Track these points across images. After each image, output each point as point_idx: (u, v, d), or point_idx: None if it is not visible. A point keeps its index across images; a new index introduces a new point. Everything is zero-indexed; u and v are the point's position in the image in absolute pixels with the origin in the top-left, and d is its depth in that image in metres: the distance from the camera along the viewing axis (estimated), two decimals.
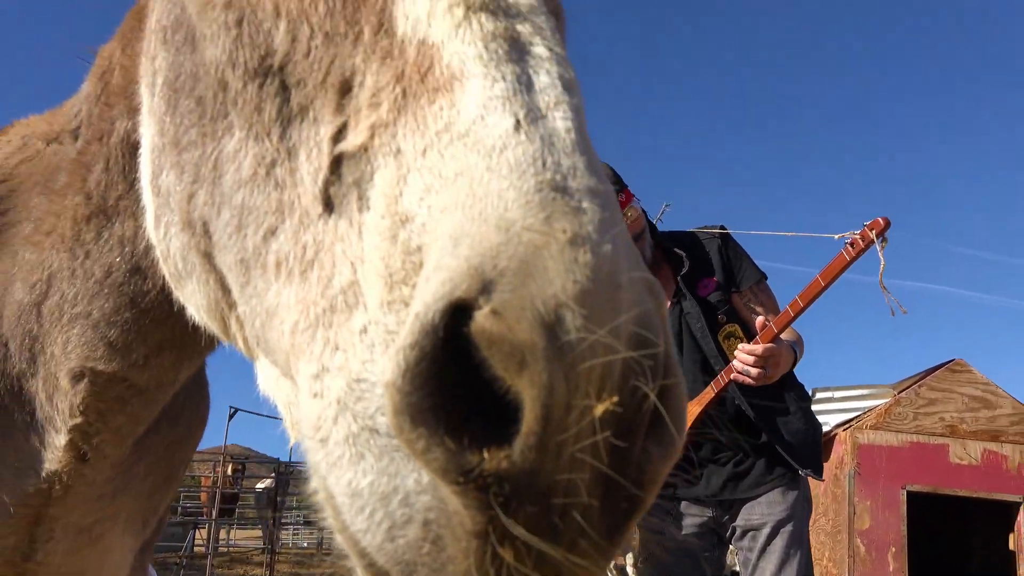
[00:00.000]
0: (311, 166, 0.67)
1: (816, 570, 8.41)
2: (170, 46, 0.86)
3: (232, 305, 0.79)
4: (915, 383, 8.45)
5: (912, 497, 7.90)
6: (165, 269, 0.92)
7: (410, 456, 0.53)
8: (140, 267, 1.13)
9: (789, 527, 2.90)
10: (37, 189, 1.31)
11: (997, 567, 8.24)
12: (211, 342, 1.20)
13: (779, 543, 2.89)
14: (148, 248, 1.10)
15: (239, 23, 0.73)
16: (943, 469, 7.90)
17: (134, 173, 1.10)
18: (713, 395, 2.85)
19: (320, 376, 0.61)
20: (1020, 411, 8.09)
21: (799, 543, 2.92)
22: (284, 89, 0.71)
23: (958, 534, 9.54)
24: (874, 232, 2.39)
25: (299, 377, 0.64)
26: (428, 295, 0.51)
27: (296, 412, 0.68)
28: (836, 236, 2.55)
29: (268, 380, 0.79)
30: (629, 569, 9.83)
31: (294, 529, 26.69)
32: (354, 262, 0.62)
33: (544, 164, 0.55)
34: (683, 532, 3.00)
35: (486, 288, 0.50)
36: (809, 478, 3.02)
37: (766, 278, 3.11)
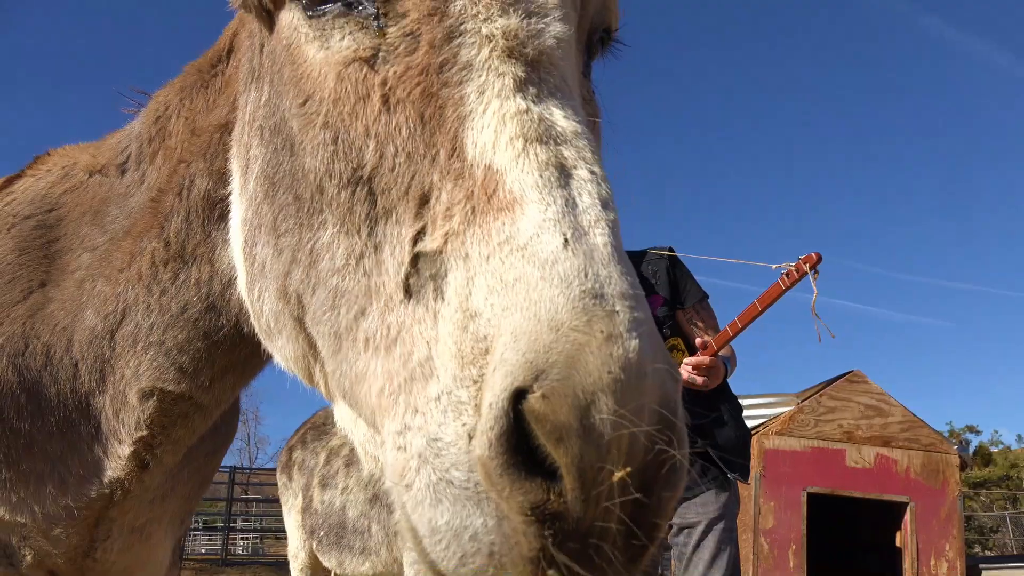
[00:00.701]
0: (395, 260, 0.80)
1: None
2: (268, 144, 1.00)
3: (319, 361, 0.93)
4: (817, 392, 8.98)
5: (812, 498, 8.40)
6: (256, 324, 1.07)
7: (479, 502, 0.67)
8: (215, 305, 1.25)
9: (721, 525, 3.16)
10: (86, 219, 1.39)
11: (886, 562, 8.79)
12: (262, 367, 1.36)
13: (711, 539, 3.14)
14: (224, 289, 1.24)
15: (335, 140, 0.88)
16: (840, 472, 8.44)
17: (211, 225, 1.24)
18: None
19: (403, 433, 0.73)
20: (909, 419, 8.72)
21: (729, 539, 3.18)
22: (372, 195, 0.84)
23: (852, 532, 10.12)
24: (807, 265, 2.67)
25: (384, 432, 0.77)
26: (497, 387, 0.64)
27: (378, 455, 0.83)
28: (773, 266, 2.82)
29: (346, 420, 0.93)
30: None
31: (194, 536, 25.87)
32: (430, 342, 0.74)
33: (586, 275, 0.67)
34: None
35: (538, 377, 0.62)
36: (737, 480, 3.27)
37: (708, 297, 3.37)
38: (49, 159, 1.57)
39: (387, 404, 0.76)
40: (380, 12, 0.87)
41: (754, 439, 8.51)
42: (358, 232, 0.84)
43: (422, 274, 0.76)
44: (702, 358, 2.92)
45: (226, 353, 1.29)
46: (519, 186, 0.72)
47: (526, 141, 0.75)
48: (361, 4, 0.89)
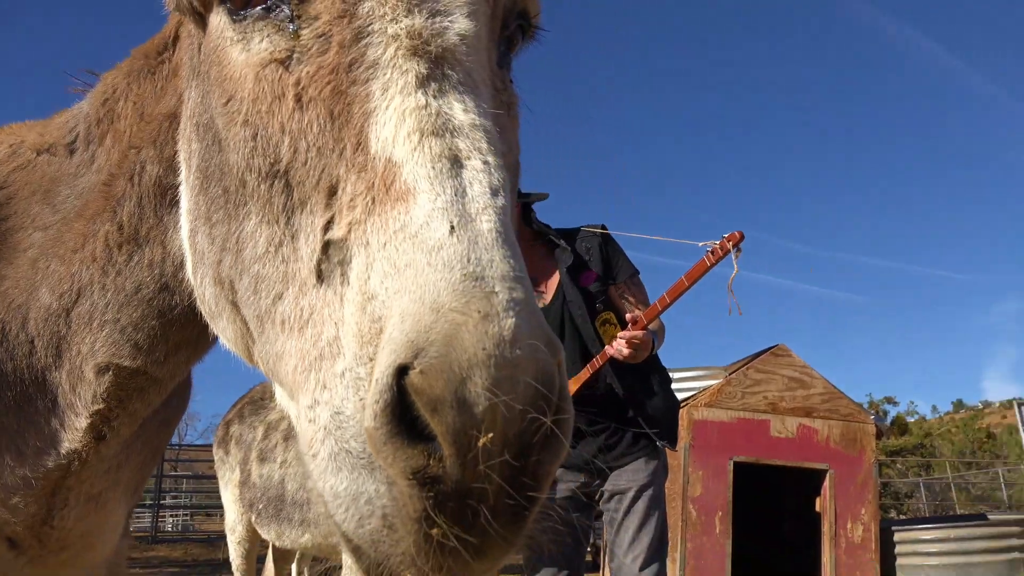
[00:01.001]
0: (308, 248, 0.86)
1: None
2: (203, 140, 1.06)
3: (254, 342, 0.99)
4: (743, 365, 9.28)
5: (738, 467, 8.72)
6: (201, 307, 1.13)
7: (372, 470, 0.74)
8: (168, 285, 1.30)
9: (650, 491, 3.30)
10: (36, 198, 1.41)
11: (806, 526, 9.18)
12: (215, 342, 1.38)
13: (641, 504, 3.28)
14: (176, 270, 1.28)
15: (255, 137, 0.94)
16: (765, 442, 8.77)
17: (163, 211, 1.28)
18: (589, 375, 3.20)
19: (313, 407, 0.80)
20: (830, 390, 9.11)
21: (658, 504, 3.32)
22: (288, 188, 0.90)
23: (776, 498, 10.54)
24: (731, 243, 2.81)
25: (299, 406, 0.83)
26: (383, 364, 0.70)
27: (297, 428, 0.89)
28: (699, 244, 2.95)
29: (283, 398, 0.99)
30: None
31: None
32: (337, 323, 0.80)
33: (468, 260, 0.72)
34: (558, 496, 3.31)
35: (418, 354, 0.68)
36: (666, 448, 3.42)
37: (639, 273, 3.48)
38: None
39: (301, 380, 0.83)
40: (295, 15, 0.93)
41: (684, 411, 8.78)
42: (277, 222, 0.90)
43: (331, 260, 0.83)
44: (632, 332, 3.04)
45: (180, 330, 1.33)
46: (413, 177, 0.79)
47: (422, 135, 0.81)
48: (278, 8, 0.94)
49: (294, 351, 0.85)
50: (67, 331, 1.33)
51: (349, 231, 0.81)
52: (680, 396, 9.81)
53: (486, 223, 0.75)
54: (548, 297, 3.41)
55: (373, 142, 0.83)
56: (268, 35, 0.95)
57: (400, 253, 0.74)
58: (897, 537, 8.76)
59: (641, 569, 3.21)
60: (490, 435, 0.65)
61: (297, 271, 0.86)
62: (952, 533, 8.62)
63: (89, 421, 1.33)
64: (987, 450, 35.17)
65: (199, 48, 1.09)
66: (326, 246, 0.83)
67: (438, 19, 0.90)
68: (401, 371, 0.67)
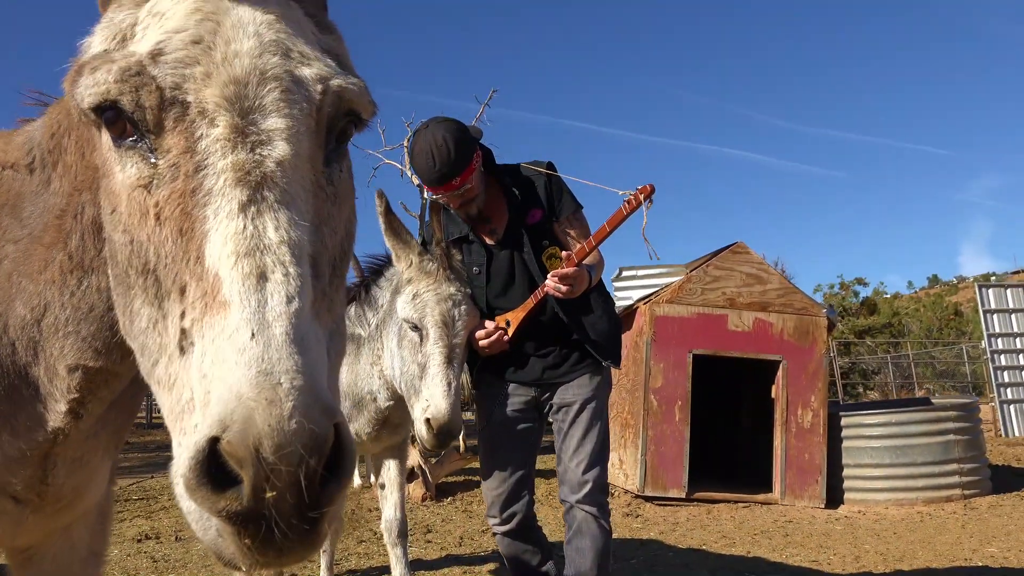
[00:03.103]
0: (173, 328, 1.06)
1: (618, 421, 9.66)
2: (106, 226, 1.27)
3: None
4: (704, 263, 9.55)
5: (697, 359, 9.15)
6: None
7: (200, 504, 0.98)
8: (114, 306, 1.45)
9: (593, 404, 3.58)
10: (6, 211, 1.57)
11: (762, 412, 9.67)
12: None
13: (585, 415, 3.57)
14: None
15: (131, 243, 1.15)
16: (722, 335, 9.12)
17: (101, 244, 1.46)
18: (533, 304, 3.47)
19: (179, 446, 1.01)
20: (785, 286, 9.44)
21: (600, 415, 3.61)
22: (157, 282, 1.10)
23: (732, 388, 11.07)
24: (642, 195, 3.09)
25: (173, 442, 1.04)
26: (200, 433, 0.92)
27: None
28: (619, 192, 3.20)
29: None
30: (460, 444, 10.83)
31: None
32: (191, 387, 1.01)
33: (263, 359, 0.92)
34: (512, 408, 3.63)
35: (225, 429, 0.88)
36: (610, 366, 3.69)
37: (581, 208, 3.65)
38: None
39: (172, 425, 1.06)
40: (153, 148, 1.12)
41: (646, 307, 9.13)
42: (153, 304, 1.11)
43: (187, 339, 1.04)
44: (563, 271, 3.28)
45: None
46: (229, 292, 0.99)
47: (238, 256, 1.01)
48: (142, 140, 1.13)
49: (167, 404, 1.08)
50: (40, 337, 1.53)
51: (192, 324, 1.03)
52: (644, 292, 10.25)
53: (279, 328, 0.96)
54: (500, 233, 3.63)
55: (207, 257, 1.04)
56: (136, 162, 1.14)
57: (220, 349, 0.97)
58: (844, 422, 9.27)
59: (584, 472, 3.53)
60: (273, 483, 0.90)
61: (167, 344, 1.08)
62: (894, 418, 9.14)
63: (67, 407, 1.57)
64: (953, 327, 36.27)
65: (99, 139, 1.27)
66: (182, 331, 1.05)
67: (258, 150, 1.09)
68: (214, 440, 0.91)
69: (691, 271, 9.47)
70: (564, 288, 3.32)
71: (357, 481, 9.55)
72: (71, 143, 1.51)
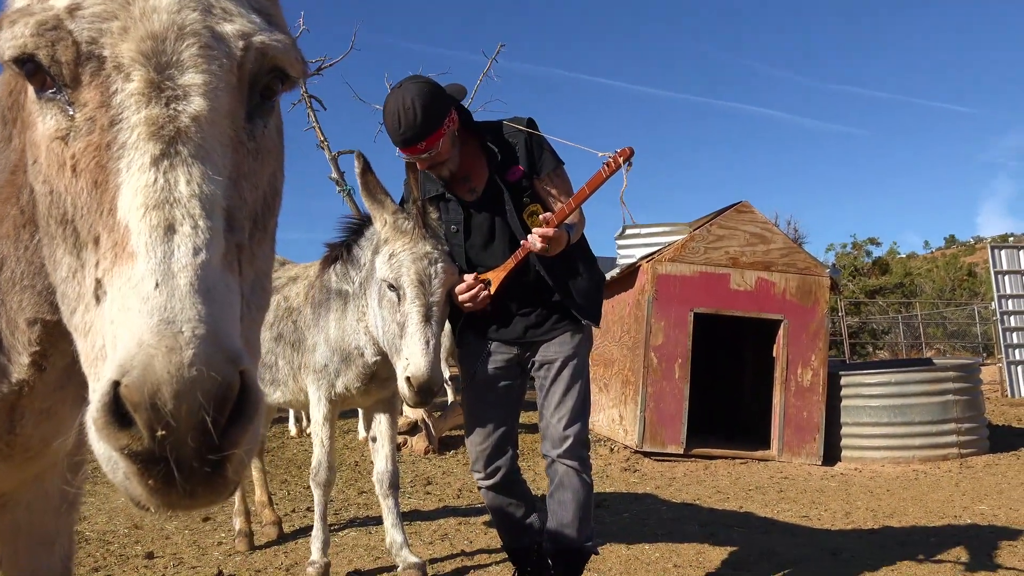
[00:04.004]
0: (89, 277, 1.09)
1: (619, 378, 9.74)
2: (29, 175, 1.31)
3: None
4: (707, 222, 9.54)
5: (698, 317, 9.18)
6: None
7: (105, 442, 1.02)
8: None
9: (574, 361, 3.65)
10: None
11: (763, 370, 9.72)
12: None
13: (566, 373, 3.64)
14: None
15: (50, 193, 1.19)
16: (724, 294, 9.14)
17: None
18: (514, 263, 3.50)
19: (93, 392, 1.03)
20: (789, 246, 9.43)
21: (581, 373, 3.67)
22: (75, 232, 1.12)
23: (734, 347, 11.11)
24: (621, 158, 3.09)
25: (90, 388, 1.06)
26: (104, 377, 0.96)
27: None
28: (599, 154, 3.22)
29: None
30: (451, 396, 10.97)
31: None
32: (103, 335, 1.04)
33: (165, 308, 0.95)
34: (494, 366, 3.69)
35: (125, 374, 0.92)
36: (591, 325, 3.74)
37: (562, 164, 3.66)
38: None
39: (88, 371, 1.11)
40: (71, 101, 1.14)
41: (648, 265, 9.15)
42: (72, 254, 1.15)
43: (101, 288, 1.08)
44: (544, 230, 3.31)
45: None
46: (136, 243, 1.02)
47: (147, 208, 1.04)
48: (61, 93, 1.15)
49: (83, 350, 1.13)
50: (0, 292, 1.58)
51: (104, 274, 1.07)
52: (646, 251, 10.25)
53: (183, 279, 1.00)
54: (479, 192, 3.65)
55: (119, 209, 1.07)
56: (54, 114, 1.16)
57: (126, 298, 1.00)
58: (843, 381, 9.32)
59: (565, 428, 3.61)
60: (169, 426, 0.94)
61: (84, 293, 1.12)
62: (893, 377, 9.17)
63: (30, 359, 1.61)
64: (967, 288, 36.08)
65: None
66: (97, 281, 1.09)
67: (173, 105, 1.11)
68: (116, 384, 0.95)
69: (694, 230, 9.47)
70: (540, 246, 3.35)
71: (362, 434, 9.72)
72: (27, 98, 1.50)
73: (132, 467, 0.98)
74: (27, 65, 1.16)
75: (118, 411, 0.96)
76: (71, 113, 1.15)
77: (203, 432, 0.95)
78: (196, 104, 1.13)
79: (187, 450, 0.96)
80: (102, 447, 1.02)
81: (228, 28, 1.20)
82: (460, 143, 3.63)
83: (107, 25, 1.13)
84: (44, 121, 1.18)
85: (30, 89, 1.22)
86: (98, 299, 1.09)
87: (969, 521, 6.12)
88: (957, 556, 4.96)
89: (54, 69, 1.14)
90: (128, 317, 0.99)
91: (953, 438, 8.94)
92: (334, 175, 11.16)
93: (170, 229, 1.04)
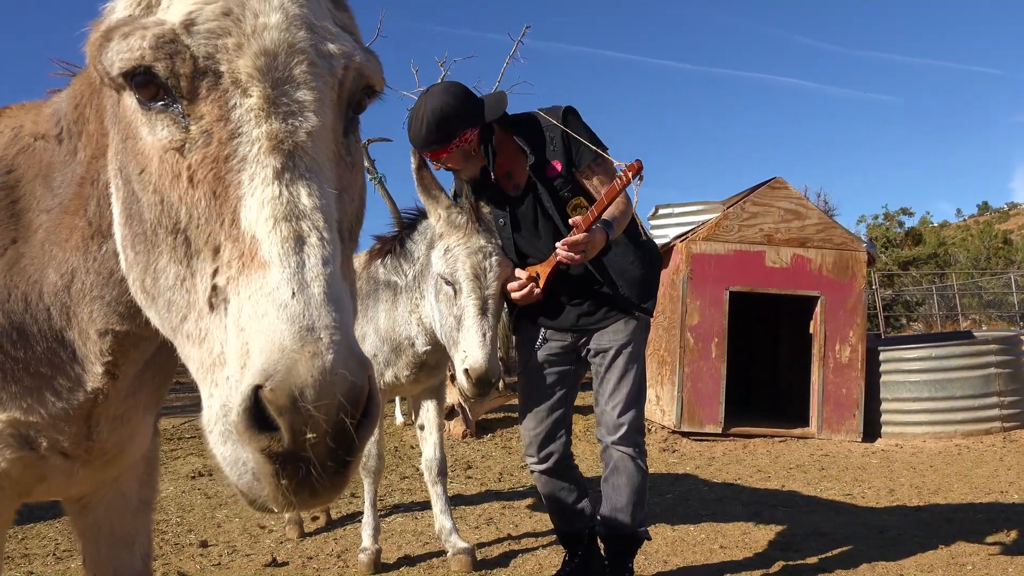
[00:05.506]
0: (203, 285, 1.11)
1: (655, 358, 9.76)
2: (123, 186, 1.29)
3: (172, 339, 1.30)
4: (741, 199, 9.46)
5: (733, 296, 9.13)
6: (136, 298, 1.38)
7: (245, 445, 1.06)
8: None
9: (629, 348, 3.64)
10: (39, 181, 1.62)
11: (800, 347, 9.66)
12: None
13: (621, 361, 3.64)
14: None
15: (161, 203, 1.19)
16: (760, 272, 9.08)
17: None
18: (556, 260, 3.45)
19: (209, 398, 1.08)
20: (824, 221, 9.34)
21: (636, 360, 3.67)
22: (187, 241, 1.14)
23: (770, 324, 11.04)
24: (631, 172, 3.15)
25: (202, 393, 1.10)
26: (245, 383, 0.97)
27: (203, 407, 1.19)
28: (616, 163, 3.31)
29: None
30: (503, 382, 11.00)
31: None
32: (222, 342, 1.06)
33: (304, 316, 0.98)
34: (548, 353, 3.72)
35: (268, 378, 0.94)
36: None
37: (605, 151, 3.57)
38: None
39: (201, 378, 1.14)
40: (185, 113, 1.16)
41: (683, 244, 9.11)
42: (181, 263, 1.17)
43: (218, 297, 1.10)
44: (573, 238, 3.29)
45: None
46: (268, 253, 1.05)
47: (275, 220, 1.07)
48: (174, 105, 1.17)
49: (196, 357, 1.15)
50: (71, 303, 1.60)
51: (228, 282, 1.09)
52: (680, 230, 10.20)
53: (317, 288, 1.03)
54: (521, 187, 3.65)
55: (243, 220, 1.10)
56: (167, 126, 1.18)
57: (259, 305, 1.03)
58: (883, 356, 9.25)
59: (620, 415, 3.63)
60: (314, 427, 0.98)
61: (196, 301, 1.15)
62: (933, 352, 9.09)
63: (103, 368, 1.64)
64: (1002, 256, 35.49)
65: (118, 101, 1.30)
66: (214, 288, 1.11)
67: (291, 121, 1.14)
68: (257, 388, 0.98)
69: (728, 208, 9.41)
70: (578, 258, 3.34)
71: (399, 419, 9.81)
72: (92, 112, 1.55)
73: (269, 467, 1.01)
74: (137, 77, 1.19)
75: (259, 415, 0.99)
76: (186, 125, 1.17)
77: (342, 432, 1.00)
78: (310, 120, 1.16)
79: (325, 450, 1.00)
80: (232, 450, 1.06)
81: (331, 47, 1.23)
82: (498, 142, 3.61)
83: (222, 41, 1.16)
84: (155, 132, 1.20)
85: (130, 100, 1.24)
86: (212, 306, 1.11)
87: (1016, 498, 6.07)
88: (1007, 534, 4.93)
89: (171, 82, 1.17)
90: (265, 324, 1.01)
91: (996, 411, 8.86)
92: (365, 163, 11.20)
93: (300, 240, 1.07)
